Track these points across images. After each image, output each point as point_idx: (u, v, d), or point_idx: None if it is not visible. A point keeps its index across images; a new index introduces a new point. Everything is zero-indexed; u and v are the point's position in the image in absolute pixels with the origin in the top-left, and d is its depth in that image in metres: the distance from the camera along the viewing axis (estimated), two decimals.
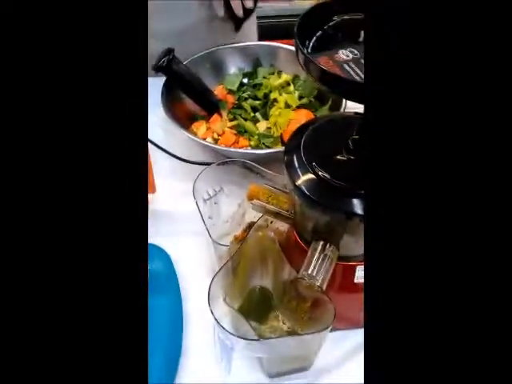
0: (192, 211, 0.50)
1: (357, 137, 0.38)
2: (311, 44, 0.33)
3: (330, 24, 0.34)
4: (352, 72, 0.31)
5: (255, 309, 0.51)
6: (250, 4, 0.73)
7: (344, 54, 0.33)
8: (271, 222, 0.51)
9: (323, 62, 0.32)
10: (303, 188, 0.39)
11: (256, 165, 0.50)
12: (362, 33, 0.33)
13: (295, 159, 0.40)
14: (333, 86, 0.31)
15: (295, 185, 0.39)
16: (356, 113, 0.44)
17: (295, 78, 0.73)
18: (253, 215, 0.52)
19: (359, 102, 0.30)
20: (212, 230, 0.50)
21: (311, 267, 0.39)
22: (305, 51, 0.32)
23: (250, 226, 0.52)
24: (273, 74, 0.74)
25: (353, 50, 0.33)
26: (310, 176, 0.39)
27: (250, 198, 0.46)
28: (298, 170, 0.40)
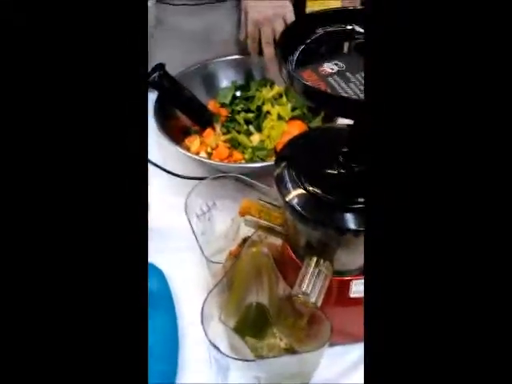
0: (185, 227, 0.50)
1: (347, 150, 0.38)
2: (295, 58, 0.33)
3: (314, 37, 0.33)
4: (337, 86, 0.31)
5: (252, 326, 0.50)
6: None
7: (329, 67, 0.32)
8: (265, 237, 0.50)
9: (307, 75, 0.31)
10: (294, 203, 0.38)
11: (249, 179, 0.49)
12: (346, 45, 0.33)
13: (285, 174, 0.40)
14: (317, 102, 0.30)
15: (286, 200, 0.38)
16: (348, 125, 0.44)
17: (288, 89, 0.73)
18: (247, 230, 0.52)
19: (344, 117, 0.29)
20: (206, 247, 0.49)
21: (305, 284, 0.39)
22: (288, 67, 0.31)
23: (245, 241, 0.51)
24: (265, 86, 0.73)
25: (337, 62, 0.33)
26: (301, 191, 0.38)
27: (242, 213, 0.46)
28: (288, 184, 0.39)
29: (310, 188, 0.38)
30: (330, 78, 0.31)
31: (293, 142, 0.41)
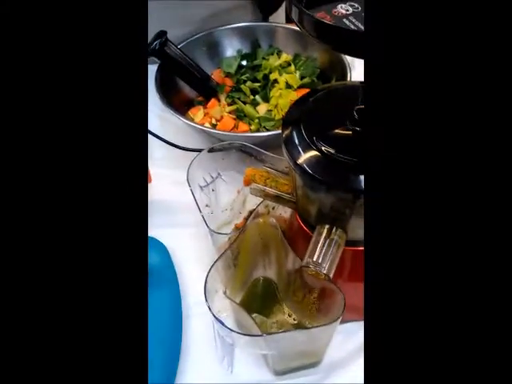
0: (189, 201, 0.47)
1: (362, 106, 0.34)
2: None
3: None
4: (353, 26, 0.27)
5: (258, 301, 0.47)
6: None
7: (343, 9, 0.29)
8: (273, 208, 0.47)
9: (320, 16, 0.28)
10: (304, 166, 0.35)
11: (255, 147, 0.46)
12: None
13: (294, 134, 0.36)
14: (332, 40, 0.27)
15: (295, 162, 0.35)
16: (361, 82, 0.40)
17: (296, 57, 0.69)
18: (254, 203, 0.49)
19: (362, 57, 0.26)
20: (210, 220, 0.47)
21: (316, 254, 0.36)
22: (300, 6, 0.28)
23: (251, 213, 0.48)
24: (272, 54, 0.70)
25: (353, 3, 0.29)
26: (312, 152, 0.35)
27: (247, 182, 0.42)
28: (298, 146, 0.36)
29: (323, 148, 0.34)
30: (344, 20, 0.28)
31: (302, 101, 0.38)
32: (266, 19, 0.71)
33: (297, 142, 0.36)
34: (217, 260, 0.42)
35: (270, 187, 0.41)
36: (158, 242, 0.51)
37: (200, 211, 0.44)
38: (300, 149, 0.36)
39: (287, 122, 0.37)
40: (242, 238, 0.44)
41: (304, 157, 0.35)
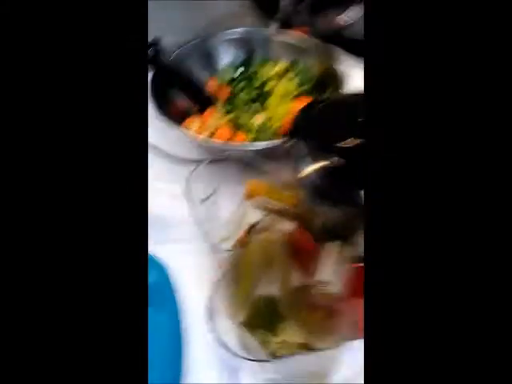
0: (188, 215, 0.45)
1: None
2: None
3: None
4: None
5: (262, 321, 0.45)
6: None
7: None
8: (276, 222, 0.45)
9: None
10: (310, 179, 0.33)
11: (255, 159, 0.44)
12: None
13: (298, 146, 0.35)
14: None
15: (301, 176, 0.33)
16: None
17: (292, 64, 0.67)
18: (255, 216, 0.47)
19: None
20: (210, 235, 0.45)
21: (325, 272, 0.34)
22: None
23: (253, 227, 0.46)
24: (268, 61, 0.68)
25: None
26: (318, 164, 0.33)
27: (249, 196, 0.41)
28: (302, 158, 0.34)
29: (328, 161, 0.33)
30: None
31: (305, 112, 0.36)
32: (268, 24, 0.69)
33: (302, 153, 0.34)
34: (218, 278, 0.40)
35: (274, 201, 0.39)
36: (156, 259, 0.49)
37: (200, 227, 0.42)
38: (305, 160, 0.34)
39: (291, 133, 0.35)
40: (244, 253, 0.42)
41: (309, 169, 0.34)
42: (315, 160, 0.34)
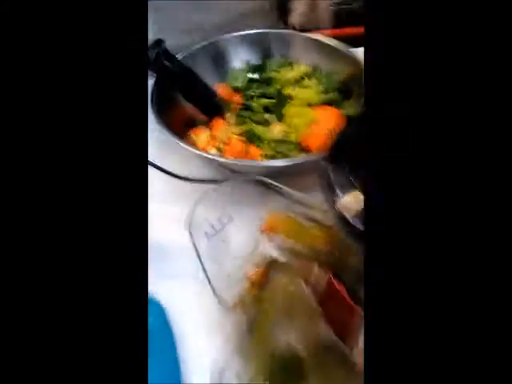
0: (191, 245, 0.38)
1: None
2: None
3: None
4: None
5: (280, 378, 0.38)
6: None
7: None
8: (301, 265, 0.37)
9: None
10: (350, 211, 0.25)
11: (277, 183, 0.37)
12: None
13: (338, 172, 0.27)
14: None
15: (340, 212, 0.26)
16: None
17: (314, 69, 0.60)
18: (272, 248, 0.39)
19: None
20: (217, 272, 0.37)
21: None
22: None
23: (270, 263, 0.38)
24: (284, 65, 0.60)
25: None
26: (361, 197, 0.25)
27: (267, 230, 0.33)
28: (343, 187, 0.26)
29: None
30: None
31: (347, 131, 0.28)
32: (284, 24, 0.62)
33: (341, 181, 0.27)
34: (229, 328, 0.32)
35: (299, 241, 0.31)
36: (154, 300, 0.42)
37: (204, 271, 0.35)
38: (345, 190, 0.26)
39: (329, 155, 0.28)
40: (262, 299, 0.35)
41: (349, 199, 0.26)
42: (356, 191, 0.26)
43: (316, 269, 0.32)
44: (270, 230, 0.32)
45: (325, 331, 0.34)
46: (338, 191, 0.27)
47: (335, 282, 0.31)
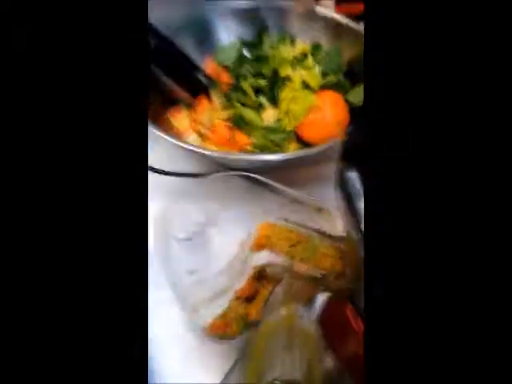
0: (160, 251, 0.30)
1: None
2: None
3: None
4: None
5: None
6: None
7: None
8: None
9: None
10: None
11: (271, 182, 0.29)
12: None
13: (354, 177, 0.20)
14: None
15: (357, 219, 0.19)
16: None
17: (315, 47, 0.52)
18: (262, 256, 0.32)
19: None
20: (197, 288, 0.30)
21: None
22: None
23: (260, 274, 0.31)
24: (283, 42, 0.53)
25: None
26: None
27: (259, 246, 0.26)
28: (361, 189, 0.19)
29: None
30: None
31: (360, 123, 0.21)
32: None
33: (358, 184, 0.20)
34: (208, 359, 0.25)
35: (302, 260, 0.24)
36: None
37: (176, 287, 0.27)
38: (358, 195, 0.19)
39: (343, 156, 0.20)
40: (250, 320, 0.28)
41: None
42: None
43: (322, 295, 0.25)
44: (261, 244, 0.25)
45: (331, 361, 0.27)
46: (358, 194, 0.20)
47: (349, 313, 0.24)
